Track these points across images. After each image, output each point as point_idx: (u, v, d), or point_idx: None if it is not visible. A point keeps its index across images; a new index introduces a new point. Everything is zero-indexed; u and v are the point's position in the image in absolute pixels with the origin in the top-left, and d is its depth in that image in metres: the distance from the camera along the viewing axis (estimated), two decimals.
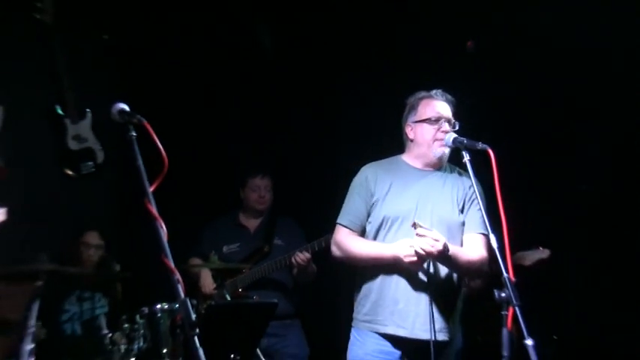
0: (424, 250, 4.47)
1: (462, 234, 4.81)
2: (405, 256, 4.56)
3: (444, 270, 4.71)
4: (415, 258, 4.53)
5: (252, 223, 6.85)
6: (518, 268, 5.04)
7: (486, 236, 4.55)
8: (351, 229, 4.87)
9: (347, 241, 4.87)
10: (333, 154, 6.92)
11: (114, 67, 7.58)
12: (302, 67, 7.42)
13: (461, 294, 4.88)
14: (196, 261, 6.69)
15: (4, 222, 4.78)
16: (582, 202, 6.74)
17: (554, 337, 6.42)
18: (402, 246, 4.59)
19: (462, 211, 4.81)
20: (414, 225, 4.51)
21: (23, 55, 7.19)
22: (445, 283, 4.73)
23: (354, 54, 7.26)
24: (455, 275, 4.77)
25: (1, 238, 4.79)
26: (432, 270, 4.67)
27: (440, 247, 4.46)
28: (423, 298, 4.66)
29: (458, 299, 4.85)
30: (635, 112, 6.40)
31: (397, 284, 4.70)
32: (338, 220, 4.93)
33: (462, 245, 4.76)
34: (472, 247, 4.74)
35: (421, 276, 4.68)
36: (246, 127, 7.53)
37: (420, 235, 4.48)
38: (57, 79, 7.24)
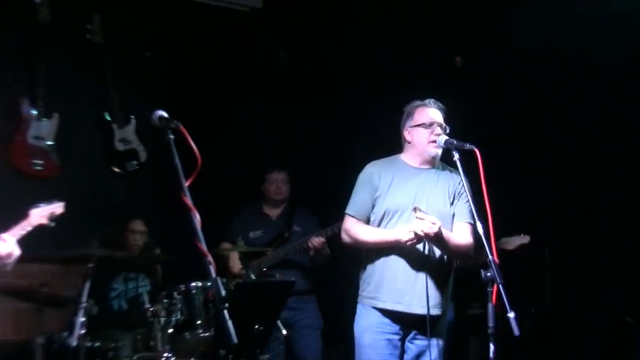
0: (423, 232, 4.51)
1: (452, 224, 4.82)
2: (405, 240, 4.59)
3: (437, 255, 4.73)
4: (415, 239, 4.57)
5: (273, 213, 6.86)
6: (502, 252, 5.07)
7: (473, 225, 4.58)
8: (357, 219, 4.89)
9: (354, 228, 4.88)
10: (341, 153, 6.92)
11: (154, 80, 7.61)
12: (315, 80, 7.44)
13: (452, 275, 4.89)
14: (226, 245, 6.70)
15: (61, 214, 4.83)
16: (558, 194, 6.75)
17: (532, 310, 6.43)
18: (402, 230, 4.62)
19: (452, 203, 4.83)
20: (415, 209, 4.55)
21: (76, 70, 7.27)
22: (438, 265, 4.74)
23: (358, 69, 7.28)
24: (446, 259, 4.79)
25: (59, 227, 4.82)
26: (426, 254, 4.69)
27: (436, 229, 4.51)
28: (420, 279, 4.68)
29: (449, 279, 4.87)
30: (602, 119, 6.41)
31: (397, 266, 4.72)
32: (346, 211, 4.95)
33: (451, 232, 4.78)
34: (460, 234, 4.77)
35: (418, 259, 4.69)
36: (267, 129, 7.54)
37: (420, 219, 4.52)
38: (105, 90, 7.32)
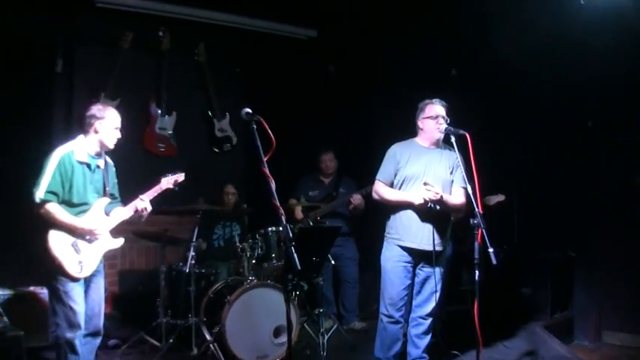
0: (429, 199, 4.58)
1: (451, 187, 4.80)
2: (417, 204, 4.65)
3: (439, 210, 4.69)
4: (423, 203, 4.61)
5: (326, 179, 6.82)
6: (485, 207, 5.00)
7: (465, 189, 4.53)
8: (384, 183, 4.87)
9: (382, 190, 4.87)
10: (374, 137, 6.79)
11: (242, 87, 7.60)
12: (355, 86, 7.35)
13: (450, 223, 4.84)
14: (292, 201, 6.68)
15: (182, 181, 4.87)
16: (524, 165, 6.67)
17: (505, 247, 6.36)
18: (414, 195, 4.66)
19: (451, 173, 4.81)
20: (425, 184, 4.61)
21: (188, 81, 7.31)
22: (440, 217, 4.72)
23: (385, 77, 7.18)
24: (446, 212, 4.76)
25: (180, 190, 4.86)
26: (432, 209, 4.66)
27: (439, 197, 4.57)
28: (427, 226, 4.69)
29: (448, 226, 4.82)
30: (557, 108, 6.28)
31: (411, 217, 4.73)
32: (377, 177, 4.93)
33: (450, 194, 4.77)
34: (456, 196, 4.77)
35: (426, 213, 4.68)
36: (321, 120, 7.47)
37: (428, 190, 4.58)
38: (208, 95, 7.35)
